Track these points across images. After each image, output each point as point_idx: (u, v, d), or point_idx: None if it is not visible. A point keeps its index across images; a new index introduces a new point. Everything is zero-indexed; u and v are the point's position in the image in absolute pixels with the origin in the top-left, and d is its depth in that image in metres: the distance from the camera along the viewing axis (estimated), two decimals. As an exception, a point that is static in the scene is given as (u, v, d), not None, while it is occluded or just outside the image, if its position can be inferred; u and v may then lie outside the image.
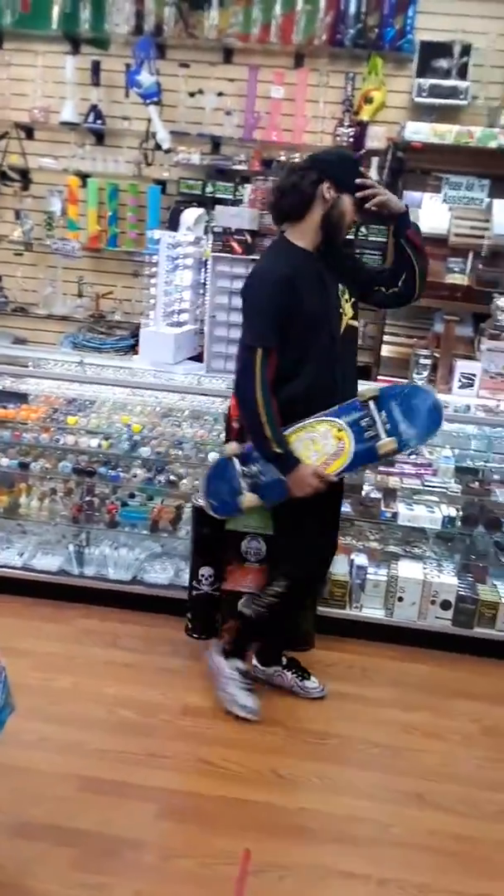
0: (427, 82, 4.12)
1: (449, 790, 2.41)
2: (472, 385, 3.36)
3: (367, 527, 3.51)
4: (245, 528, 3.01)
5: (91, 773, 2.36)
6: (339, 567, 3.26)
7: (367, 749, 2.56)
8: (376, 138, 4.29)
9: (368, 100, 4.22)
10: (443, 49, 4.15)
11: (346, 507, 3.45)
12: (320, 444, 2.42)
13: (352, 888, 2.04)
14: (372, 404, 2.42)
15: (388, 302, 2.63)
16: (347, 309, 2.48)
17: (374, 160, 4.32)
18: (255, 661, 2.90)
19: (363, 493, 3.40)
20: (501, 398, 3.30)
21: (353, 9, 4.21)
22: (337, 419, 2.42)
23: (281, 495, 2.47)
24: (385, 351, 4.52)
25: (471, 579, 3.29)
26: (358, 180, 2.40)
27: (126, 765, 2.42)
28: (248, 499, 2.55)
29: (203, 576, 3.05)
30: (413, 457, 3.39)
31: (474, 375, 3.35)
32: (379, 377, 4.34)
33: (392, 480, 3.36)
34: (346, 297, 2.48)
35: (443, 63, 4.16)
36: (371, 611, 3.26)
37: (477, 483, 3.29)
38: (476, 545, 3.41)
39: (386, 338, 4.53)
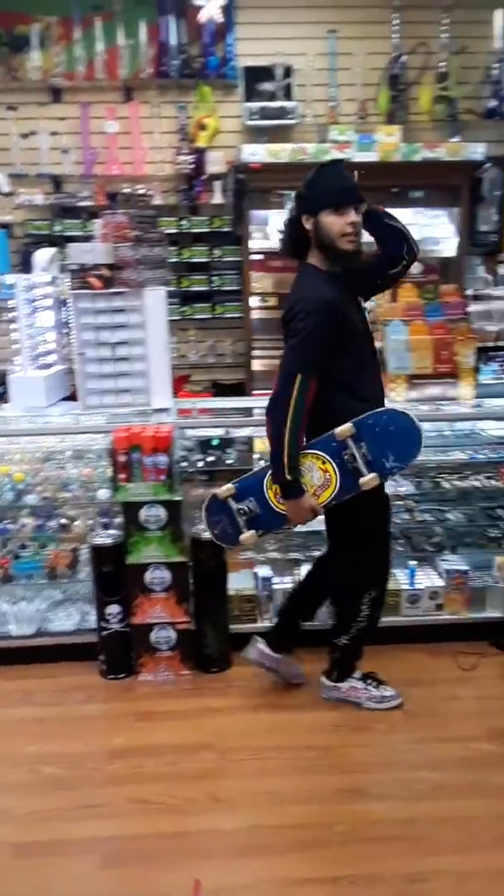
0: (255, 105, 4.29)
1: (384, 778, 2.46)
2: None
3: (266, 538, 3.55)
4: (146, 560, 3.00)
5: (23, 839, 2.25)
6: (244, 582, 3.28)
7: (300, 755, 2.57)
8: (216, 163, 4.42)
9: (202, 127, 4.34)
10: (265, 73, 4.35)
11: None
12: (307, 476, 2.48)
13: (307, 894, 2.04)
14: (350, 440, 2.43)
15: (396, 277, 2.63)
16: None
17: (217, 184, 4.44)
18: (263, 647, 2.90)
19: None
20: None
21: (174, 41, 4.33)
22: (319, 451, 2.47)
23: (279, 524, 2.64)
24: (256, 366, 4.63)
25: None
26: None
27: (60, 822, 2.32)
28: (247, 536, 2.65)
29: (110, 614, 3.00)
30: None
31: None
32: (253, 392, 4.44)
33: (282, 489, 3.42)
34: (362, 307, 2.61)
35: (267, 86, 4.35)
36: (282, 620, 3.29)
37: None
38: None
39: (255, 353, 4.64)
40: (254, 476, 2.69)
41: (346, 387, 2.49)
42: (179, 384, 4.59)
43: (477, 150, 4.21)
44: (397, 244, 2.47)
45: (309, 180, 2.48)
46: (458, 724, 2.74)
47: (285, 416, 2.39)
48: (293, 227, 2.50)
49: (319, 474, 2.47)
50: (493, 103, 4.45)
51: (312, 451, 2.48)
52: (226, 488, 2.66)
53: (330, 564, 2.86)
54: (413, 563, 3.37)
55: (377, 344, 3.32)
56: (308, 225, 2.44)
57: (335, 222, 2.39)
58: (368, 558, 2.71)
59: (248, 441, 3.50)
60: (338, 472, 2.45)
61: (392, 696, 2.81)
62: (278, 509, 2.58)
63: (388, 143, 4.15)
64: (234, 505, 2.64)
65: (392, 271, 2.53)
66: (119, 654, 3.04)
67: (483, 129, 4.51)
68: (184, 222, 4.48)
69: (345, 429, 2.42)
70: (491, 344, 3.42)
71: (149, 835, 2.25)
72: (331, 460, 2.45)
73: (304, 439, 2.48)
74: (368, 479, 2.41)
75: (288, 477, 2.43)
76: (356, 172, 3.39)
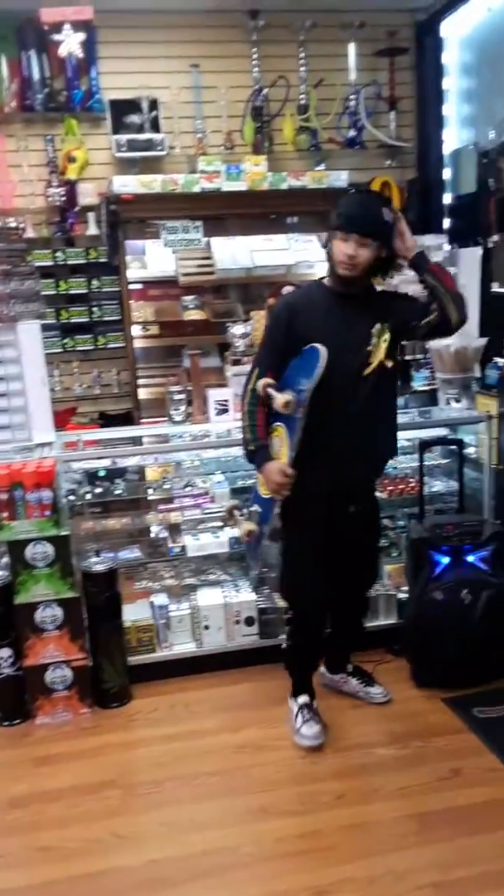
0: (123, 138, 4.32)
1: (286, 794, 2.48)
2: (227, 411, 3.52)
3: (161, 566, 3.54)
4: (36, 598, 2.93)
5: None
6: (140, 612, 3.25)
7: (203, 781, 2.56)
8: (88, 195, 4.41)
9: (72, 159, 4.33)
10: (132, 105, 4.38)
11: (135, 553, 3.48)
12: (275, 449, 2.61)
13: (216, 921, 2.03)
14: (271, 390, 2.55)
15: (429, 333, 2.62)
16: (380, 349, 2.51)
17: (91, 215, 4.43)
18: (322, 669, 3.05)
19: (151, 534, 3.44)
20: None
21: (37, 75, 4.31)
22: (272, 425, 2.63)
23: (269, 506, 2.70)
24: (143, 394, 4.62)
25: (267, 590, 3.43)
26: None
27: (-42, 881, 2.22)
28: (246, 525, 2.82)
29: (1, 658, 2.90)
30: (188, 489, 3.48)
31: (227, 401, 3.52)
32: (141, 420, 4.43)
33: (174, 516, 3.43)
34: (384, 337, 2.52)
35: (134, 118, 4.38)
36: (182, 646, 3.29)
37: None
38: (265, 558, 3.56)
39: (141, 381, 4.64)
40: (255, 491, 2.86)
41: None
42: (66, 417, 4.52)
43: (340, 178, 4.37)
44: (429, 299, 2.50)
45: (339, 201, 2.60)
46: (358, 732, 2.81)
47: (243, 401, 2.62)
48: (327, 242, 2.60)
49: (277, 441, 2.60)
50: (352, 133, 4.65)
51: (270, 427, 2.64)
52: (249, 525, 2.83)
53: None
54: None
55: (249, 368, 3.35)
56: (329, 243, 2.55)
57: (338, 247, 2.47)
58: (288, 572, 2.82)
59: (140, 470, 3.49)
60: (284, 427, 2.57)
61: (307, 736, 2.73)
62: (263, 494, 2.71)
63: (255, 172, 4.26)
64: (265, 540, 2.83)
65: (422, 322, 2.52)
66: (12, 699, 2.95)
67: (345, 158, 4.70)
68: (59, 254, 4.44)
69: (262, 382, 2.54)
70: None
71: (52, 882, 2.19)
72: (281, 425, 2.59)
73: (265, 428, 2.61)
74: (278, 398, 2.47)
75: (250, 447, 2.62)
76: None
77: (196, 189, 4.24)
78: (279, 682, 3.02)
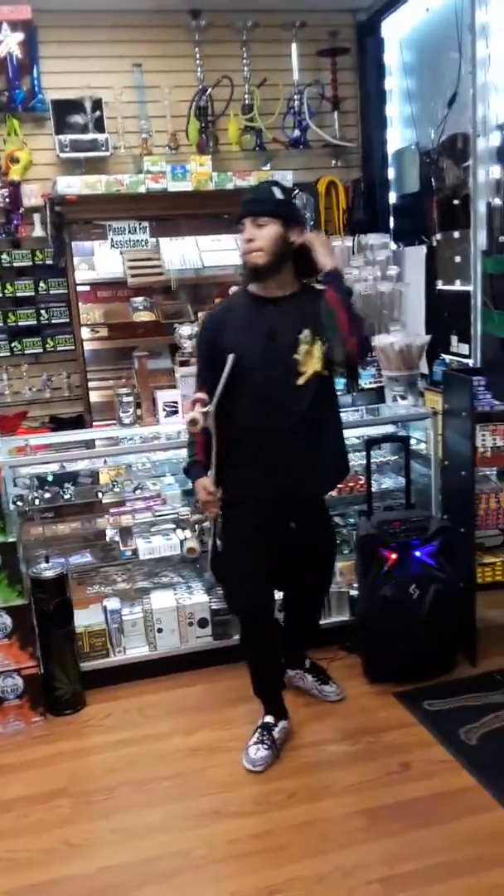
0: (67, 138, 4.28)
1: (239, 795, 2.49)
2: (176, 412, 3.51)
3: (113, 570, 3.53)
4: (-16, 607, 2.91)
5: None
6: (92, 617, 3.23)
7: (156, 785, 2.56)
8: (32, 196, 4.36)
9: (14, 160, 4.27)
10: (75, 106, 4.34)
11: (87, 557, 3.46)
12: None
13: (168, 926, 2.04)
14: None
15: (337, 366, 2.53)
16: (314, 357, 2.38)
17: (36, 217, 4.38)
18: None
19: (105, 538, 3.42)
20: (204, 418, 3.49)
21: (-23, 75, 4.25)
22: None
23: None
24: (94, 397, 4.59)
25: (220, 592, 3.43)
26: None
27: None
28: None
29: None
30: (138, 492, 3.47)
31: (176, 402, 3.51)
32: (94, 423, 4.40)
33: (125, 519, 3.41)
34: (317, 344, 2.38)
35: (78, 119, 4.35)
36: (135, 650, 3.27)
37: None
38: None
39: (92, 384, 4.60)
40: None
41: (226, 410, 2.42)
42: (17, 421, 4.47)
43: (286, 178, 4.37)
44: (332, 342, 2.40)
45: None
46: (309, 730, 2.83)
47: None
48: None
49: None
50: (296, 133, 4.67)
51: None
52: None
53: None
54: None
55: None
56: None
57: (241, 240, 2.42)
58: (223, 578, 2.81)
59: (93, 474, 3.46)
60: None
61: (251, 759, 2.62)
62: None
63: (200, 172, 4.25)
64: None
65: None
66: (-38, 709, 2.91)
67: (290, 158, 4.72)
68: (4, 256, 4.38)
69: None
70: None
71: (7, 891, 2.16)
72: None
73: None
74: (189, 415, 2.48)
75: (184, 465, 2.67)
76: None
77: (142, 189, 4.22)
78: (232, 683, 3.04)
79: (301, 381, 2.40)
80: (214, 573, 2.83)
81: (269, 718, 2.73)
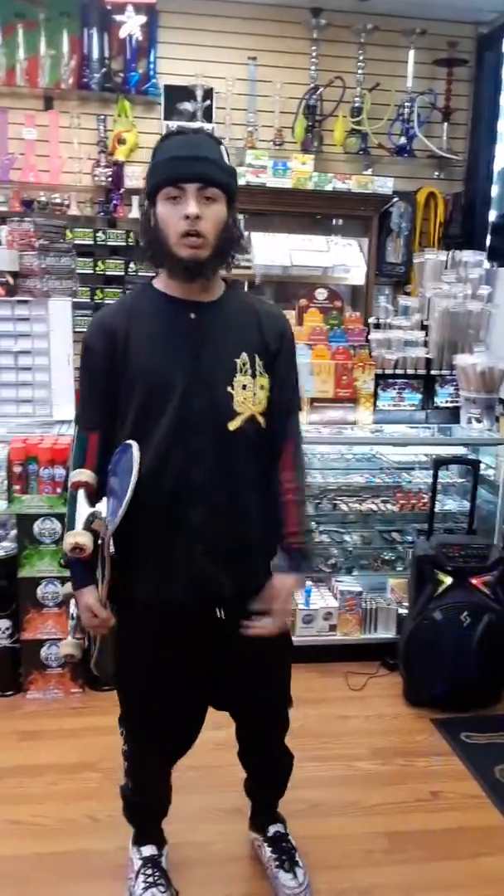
0: (174, 124, 4.30)
1: (264, 797, 2.48)
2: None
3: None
4: (39, 574, 2.95)
5: None
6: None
7: (182, 775, 2.53)
8: (134, 178, 4.41)
9: (121, 141, 4.34)
10: (186, 93, 4.38)
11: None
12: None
13: (179, 915, 2.05)
14: (81, 492, 1.74)
15: None
16: (250, 394, 1.71)
17: (135, 198, 4.44)
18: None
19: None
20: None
21: (96, 54, 4.32)
22: None
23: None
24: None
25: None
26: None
27: None
28: (65, 645, 2.00)
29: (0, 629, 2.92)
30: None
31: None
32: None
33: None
34: (257, 375, 1.73)
35: (188, 106, 4.38)
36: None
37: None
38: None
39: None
40: None
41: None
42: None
43: (386, 185, 4.34)
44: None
45: (154, 150, 1.72)
46: (341, 744, 2.80)
47: (66, 481, 1.83)
48: (146, 223, 1.72)
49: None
50: (402, 141, 4.61)
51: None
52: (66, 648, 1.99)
53: None
54: (309, 583, 3.44)
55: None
56: (151, 218, 1.68)
57: (167, 214, 1.63)
58: (122, 697, 1.98)
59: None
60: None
61: None
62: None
63: (301, 170, 4.24)
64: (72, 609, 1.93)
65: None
66: (7, 670, 2.98)
67: (392, 165, 4.66)
68: (100, 234, 4.45)
69: (73, 474, 1.76)
70: (389, 371, 3.53)
71: (19, 856, 2.21)
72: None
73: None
74: (71, 534, 1.71)
75: (62, 561, 1.80)
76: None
77: (242, 182, 4.21)
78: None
79: (233, 425, 1.70)
80: (101, 675, 2.02)
81: (150, 849, 2.08)
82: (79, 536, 1.68)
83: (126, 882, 2.10)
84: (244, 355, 1.72)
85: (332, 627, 3.36)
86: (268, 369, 1.76)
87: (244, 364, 1.72)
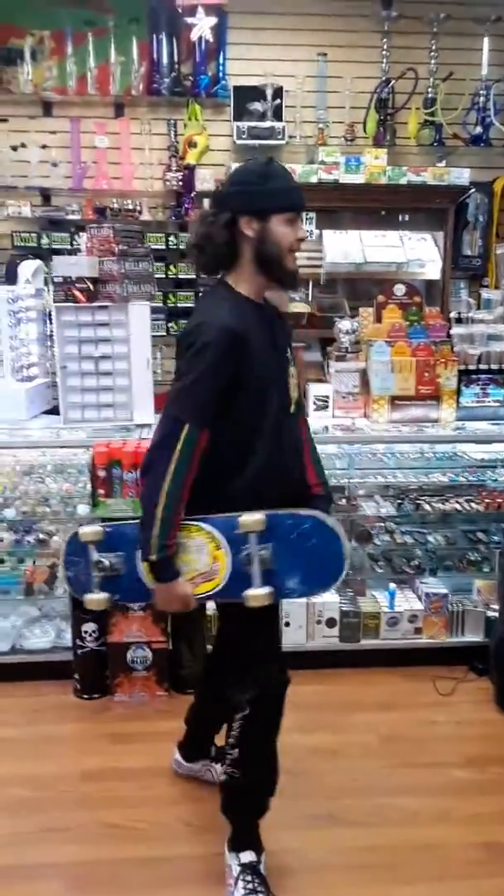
0: (245, 125, 4.31)
1: (356, 804, 2.44)
2: (326, 407, 3.47)
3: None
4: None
5: (-11, 862, 2.21)
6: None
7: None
8: (205, 180, 4.42)
9: (192, 144, 4.35)
10: (255, 93, 4.36)
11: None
12: (192, 556, 1.90)
13: (277, 923, 2.02)
14: (252, 538, 1.83)
15: None
16: (295, 378, 2.06)
17: (206, 201, 4.44)
18: (177, 756, 2.54)
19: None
20: (354, 416, 3.44)
21: (166, 59, 4.35)
22: (216, 532, 1.89)
23: (140, 598, 2.09)
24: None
25: (351, 593, 3.37)
26: None
27: (25, 846, 2.27)
28: (94, 599, 2.02)
29: (86, 632, 2.97)
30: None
31: (327, 397, 3.47)
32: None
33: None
34: (293, 364, 2.07)
35: (257, 106, 4.36)
36: (260, 640, 3.26)
37: (344, 500, 3.39)
38: (351, 560, 3.50)
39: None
40: (133, 526, 1.97)
41: (240, 452, 1.91)
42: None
43: (462, 176, 4.24)
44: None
45: (246, 177, 1.91)
46: (433, 750, 2.73)
47: (164, 474, 1.81)
48: (227, 231, 1.89)
49: (207, 560, 1.90)
50: (478, 130, 4.50)
51: (209, 529, 1.89)
52: (92, 530, 2.04)
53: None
54: (393, 585, 3.37)
55: (354, 365, 3.20)
56: (249, 231, 1.87)
57: (287, 234, 1.87)
58: (261, 639, 2.07)
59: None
60: (229, 567, 1.88)
61: None
62: (145, 581, 1.96)
63: (374, 165, 4.17)
64: (93, 554, 2.02)
65: None
66: (94, 673, 3.00)
67: (468, 155, 4.55)
68: (172, 238, 4.48)
69: (252, 520, 1.82)
70: (472, 367, 3.43)
71: (117, 860, 2.22)
72: (227, 548, 1.88)
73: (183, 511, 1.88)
74: (257, 594, 1.83)
75: (153, 557, 1.85)
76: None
77: (313, 180, 4.19)
78: (355, 689, 3.00)
79: (292, 408, 2.04)
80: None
81: (250, 856, 2.08)
82: (267, 599, 1.85)
83: (225, 889, 2.08)
84: (288, 349, 2.06)
85: (418, 630, 3.29)
86: (292, 356, 2.09)
87: (290, 356, 2.06)
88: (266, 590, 1.83)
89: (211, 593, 1.92)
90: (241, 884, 2.04)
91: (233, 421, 1.88)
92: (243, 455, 1.90)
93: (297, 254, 1.93)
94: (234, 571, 1.88)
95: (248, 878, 2.05)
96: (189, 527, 1.90)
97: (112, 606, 2.15)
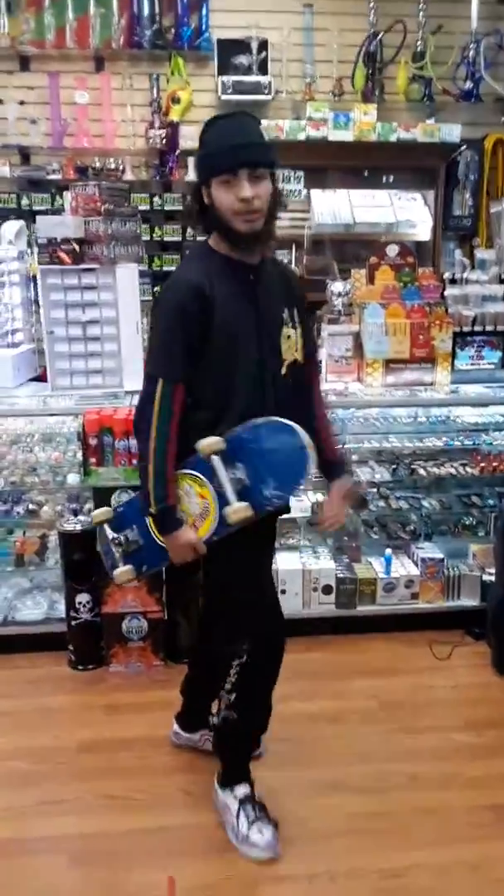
0: (230, 79, 4.18)
1: (359, 771, 2.42)
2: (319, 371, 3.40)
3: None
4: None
5: (-12, 837, 2.17)
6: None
7: (275, 747, 2.51)
8: (189, 138, 4.29)
9: (175, 100, 4.22)
10: (240, 46, 4.22)
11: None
12: (185, 503, 1.97)
13: (284, 891, 2.00)
14: (216, 459, 1.89)
15: None
16: (295, 341, 2.01)
17: (191, 160, 4.31)
18: (175, 727, 2.53)
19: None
20: (348, 380, 3.37)
21: (147, 10, 4.18)
22: (194, 471, 1.95)
23: (163, 561, 2.09)
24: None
25: (346, 560, 3.34)
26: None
27: (25, 819, 2.24)
28: (121, 572, 2.14)
29: (80, 603, 2.91)
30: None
31: (320, 361, 3.39)
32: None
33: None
34: (296, 326, 2.02)
35: (242, 60, 4.23)
36: (255, 608, 3.23)
37: (338, 465, 3.34)
38: (345, 526, 3.47)
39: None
40: (137, 497, 2.13)
41: (215, 406, 1.94)
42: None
43: (453, 133, 4.15)
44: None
45: (201, 140, 1.93)
46: (433, 715, 2.73)
47: (148, 431, 1.90)
48: (196, 197, 1.94)
49: (198, 501, 1.95)
50: (468, 85, 4.39)
51: (189, 472, 1.95)
52: (101, 512, 2.20)
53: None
54: (388, 550, 3.34)
55: (347, 328, 3.15)
56: (206, 198, 1.90)
57: (223, 196, 1.84)
58: (252, 588, 2.11)
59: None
60: (216, 500, 1.92)
61: (260, 845, 2.08)
62: (158, 540, 2.05)
63: (364, 122, 4.06)
64: (109, 533, 2.16)
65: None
66: (89, 644, 2.96)
67: (459, 111, 4.45)
68: (156, 199, 4.35)
69: (208, 443, 1.88)
70: (467, 329, 3.37)
71: (117, 832, 2.19)
72: (209, 484, 1.93)
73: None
74: (235, 509, 1.88)
75: (153, 510, 1.94)
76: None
77: (301, 137, 4.08)
78: (353, 657, 3.00)
79: (283, 370, 2.00)
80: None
81: (245, 789, 2.18)
82: (247, 511, 1.87)
83: (226, 826, 2.14)
84: (286, 310, 2.01)
85: (414, 596, 3.27)
86: (300, 319, 2.05)
87: (287, 317, 2.00)
88: (242, 504, 1.88)
89: (213, 529, 1.95)
90: (242, 816, 2.12)
91: (203, 375, 1.91)
92: (219, 410, 1.93)
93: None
94: (220, 502, 1.92)
95: (248, 808, 2.13)
96: (178, 475, 1.96)
97: (140, 575, 2.21)
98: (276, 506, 1.94)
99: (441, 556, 3.30)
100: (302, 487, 1.86)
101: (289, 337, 2.00)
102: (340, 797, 2.31)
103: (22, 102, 4.22)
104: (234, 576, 2.07)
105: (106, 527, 2.17)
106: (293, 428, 1.88)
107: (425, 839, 2.16)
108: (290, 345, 2.01)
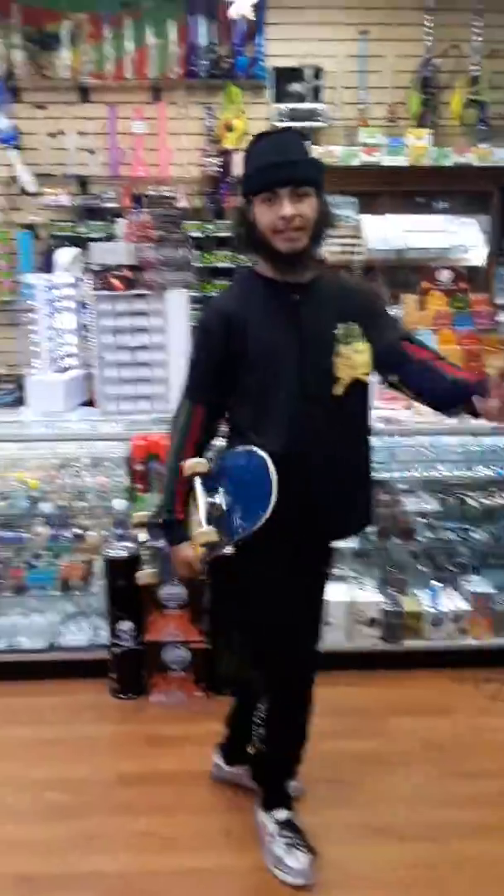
0: (285, 107, 4.19)
1: (400, 816, 2.33)
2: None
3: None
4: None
5: (24, 870, 2.14)
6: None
7: (318, 789, 2.45)
8: (241, 165, 4.30)
9: (230, 128, 4.25)
10: (295, 74, 4.24)
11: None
12: (193, 517, 1.95)
13: (322, 940, 1.93)
14: (196, 480, 1.91)
15: (405, 395, 2.07)
16: (354, 359, 1.88)
17: (243, 186, 4.34)
18: (217, 760, 2.49)
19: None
20: (397, 407, 3.31)
21: (203, 41, 4.24)
22: (196, 491, 1.95)
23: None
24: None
25: (393, 592, 3.27)
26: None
27: (63, 854, 2.21)
28: (202, 533, 1.92)
29: (123, 631, 2.90)
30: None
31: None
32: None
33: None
34: (357, 345, 1.89)
35: (297, 87, 4.25)
36: (299, 639, 3.17)
37: (386, 495, 3.28)
38: (392, 557, 3.40)
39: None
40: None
41: (248, 428, 1.91)
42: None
43: (509, 157, 4.09)
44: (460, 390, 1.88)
45: (246, 157, 1.91)
46: (482, 758, 2.62)
47: (171, 445, 1.98)
48: (242, 218, 1.91)
49: (197, 520, 1.92)
50: (526, 109, 4.34)
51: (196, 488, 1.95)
52: (196, 461, 1.95)
53: None
54: (436, 583, 3.26)
55: None
56: (250, 216, 1.86)
57: (265, 214, 1.81)
58: (259, 634, 2.11)
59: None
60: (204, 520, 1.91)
61: (295, 870, 2.07)
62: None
63: (417, 146, 4.03)
64: (199, 487, 1.93)
65: (407, 389, 2.00)
66: (131, 672, 2.94)
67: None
68: (209, 226, 4.38)
69: (190, 464, 1.91)
70: (522, 357, 3.28)
71: (153, 871, 2.14)
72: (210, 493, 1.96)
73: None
74: (200, 532, 1.85)
75: (159, 520, 2.01)
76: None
77: (354, 162, 4.06)
78: (398, 691, 2.92)
79: (339, 389, 1.88)
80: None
81: (284, 814, 2.18)
82: (211, 535, 1.84)
83: (264, 848, 2.15)
84: (341, 326, 1.89)
85: (463, 631, 3.17)
86: (367, 333, 1.89)
87: (342, 332, 1.89)
88: (208, 528, 1.85)
89: (204, 552, 1.90)
90: (280, 839, 2.13)
91: (241, 397, 1.92)
92: (260, 429, 1.90)
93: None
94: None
95: (287, 832, 2.14)
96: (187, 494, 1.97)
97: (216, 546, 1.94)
98: (243, 536, 1.84)
99: (491, 590, 3.19)
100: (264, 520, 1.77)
101: (347, 355, 1.87)
102: (379, 843, 2.22)
103: (82, 133, 4.30)
104: (253, 594, 2.03)
105: (197, 480, 1.94)
106: (263, 459, 1.81)
107: (471, 891, 2.06)
108: (350, 363, 1.87)
